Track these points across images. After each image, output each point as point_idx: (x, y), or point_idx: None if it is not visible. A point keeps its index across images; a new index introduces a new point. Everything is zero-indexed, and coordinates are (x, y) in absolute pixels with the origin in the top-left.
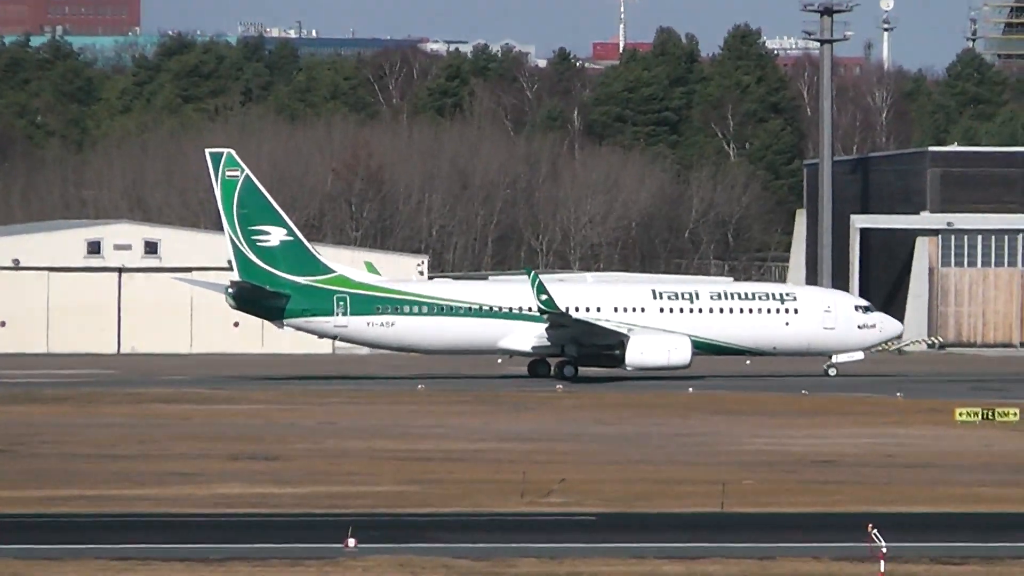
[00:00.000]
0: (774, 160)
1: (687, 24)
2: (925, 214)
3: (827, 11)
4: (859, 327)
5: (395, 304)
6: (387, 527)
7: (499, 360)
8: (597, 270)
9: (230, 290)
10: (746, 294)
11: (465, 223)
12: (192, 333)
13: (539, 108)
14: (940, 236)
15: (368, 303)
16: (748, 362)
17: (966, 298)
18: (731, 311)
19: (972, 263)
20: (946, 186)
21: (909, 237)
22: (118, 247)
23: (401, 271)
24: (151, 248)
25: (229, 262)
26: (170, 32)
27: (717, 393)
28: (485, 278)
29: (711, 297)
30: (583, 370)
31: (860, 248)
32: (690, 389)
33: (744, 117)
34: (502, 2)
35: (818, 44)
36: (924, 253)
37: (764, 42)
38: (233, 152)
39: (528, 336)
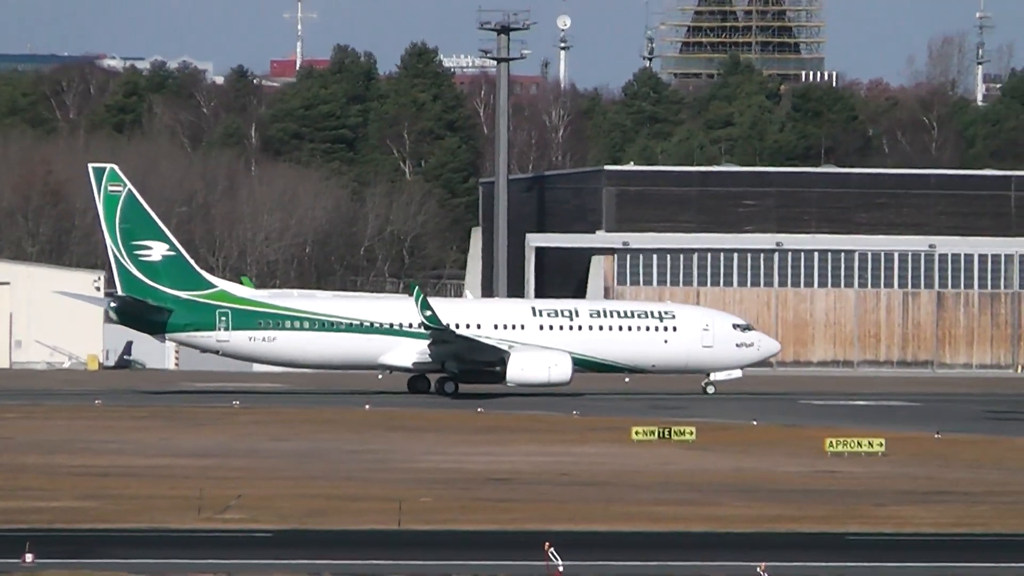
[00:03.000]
0: (450, 178)
1: (365, 42)
2: (601, 233)
3: (504, 29)
4: (737, 345)
5: (277, 319)
6: (65, 542)
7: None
8: (274, 287)
9: (113, 304)
10: (625, 312)
11: None
12: None
13: (216, 125)
14: (616, 255)
15: (250, 318)
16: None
17: None
18: (610, 328)
19: (648, 282)
20: (622, 205)
21: (585, 255)
22: None
23: (77, 286)
24: None
25: None
26: None
27: (393, 409)
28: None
29: (590, 315)
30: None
31: (536, 266)
32: (367, 406)
33: (420, 135)
34: (180, 19)
35: (495, 62)
36: (600, 272)
37: (441, 60)
38: (116, 167)
39: (409, 352)
